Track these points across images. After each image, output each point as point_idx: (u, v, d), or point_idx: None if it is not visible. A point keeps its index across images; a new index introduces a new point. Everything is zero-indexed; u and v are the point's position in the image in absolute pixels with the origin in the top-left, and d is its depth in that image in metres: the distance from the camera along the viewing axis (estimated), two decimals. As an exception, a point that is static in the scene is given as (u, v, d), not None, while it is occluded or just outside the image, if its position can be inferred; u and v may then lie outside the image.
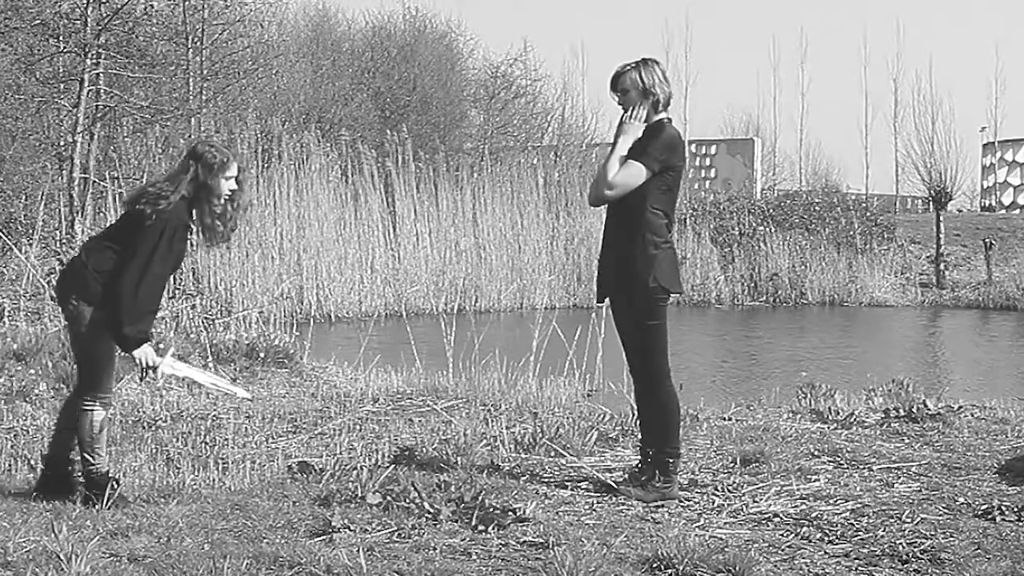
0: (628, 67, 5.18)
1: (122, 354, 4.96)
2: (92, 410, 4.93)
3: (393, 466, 5.57)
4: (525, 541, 4.34)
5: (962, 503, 5.08)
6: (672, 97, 5.22)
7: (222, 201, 5.02)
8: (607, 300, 5.29)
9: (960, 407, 7.41)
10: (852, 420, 7.12)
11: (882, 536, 4.54)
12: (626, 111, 5.16)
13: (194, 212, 5.00)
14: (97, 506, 4.78)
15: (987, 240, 30.32)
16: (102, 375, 4.99)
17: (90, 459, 4.92)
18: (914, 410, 7.19)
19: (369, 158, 23.09)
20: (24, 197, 17.58)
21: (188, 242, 5.11)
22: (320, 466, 5.65)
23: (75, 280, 4.96)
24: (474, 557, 4.15)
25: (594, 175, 5.26)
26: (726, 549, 4.25)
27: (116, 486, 4.90)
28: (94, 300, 4.87)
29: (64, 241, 15.93)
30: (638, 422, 5.53)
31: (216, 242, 5.15)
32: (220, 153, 5.01)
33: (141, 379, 4.97)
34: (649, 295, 5.08)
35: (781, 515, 4.84)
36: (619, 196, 5.06)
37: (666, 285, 5.10)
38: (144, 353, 4.94)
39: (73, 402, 5.07)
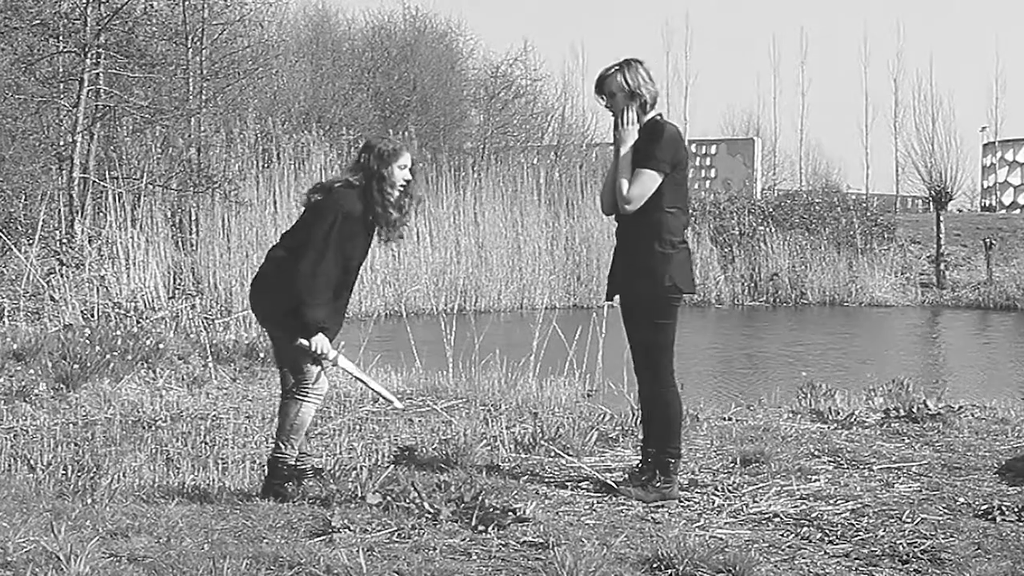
0: (611, 70, 5.14)
1: (302, 343, 4.92)
2: (303, 402, 5.01)
3: (393, 466, 5.57)
4: (525, 541, 4.34)
5: (962, 503, 5.08)
6: (659, 95, 5.18)
7: (396, 191, 5.01)
8: (616, 298, 5.27)
9: (960, 407, 7.41)
10: (852, 420, 7.12)
11: (882, 536, 4.54)
12: (615, 116, 5.15)
13: (370, 202, 4.98)
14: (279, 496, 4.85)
15: (987, 240, 30.32)
16: (311, 371, 5.02)
17: (283, 447, 5.00)
18: (914, 410, 7.19)
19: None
20: (24, 197, 17.57)
21: (367, 238, 5.10)
22: (320, 466, 5.64)
23: (265, 286, 5.04)
24: (474, 557, 4.15)
25: (602, 182, 5.22)
26: (726, 549, 4.25)
27: (310, 479, 4.98)
28: (286, 300, 4.92)
29: (64, 241, 15.92)
30: (640, 422, 5.53)
31: (392, 234, 5.10)
32: (392, 142, 5.06)
33: (315, 364, 4.95)
34: (663, 294, 5.07)
35: (781, 515, 4.84)
36: (639, 207, 5.04)
37: (681, 285, 5.09)
38: (321, 341, 4.93)
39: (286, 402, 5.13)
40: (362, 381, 5.36)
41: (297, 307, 4.88)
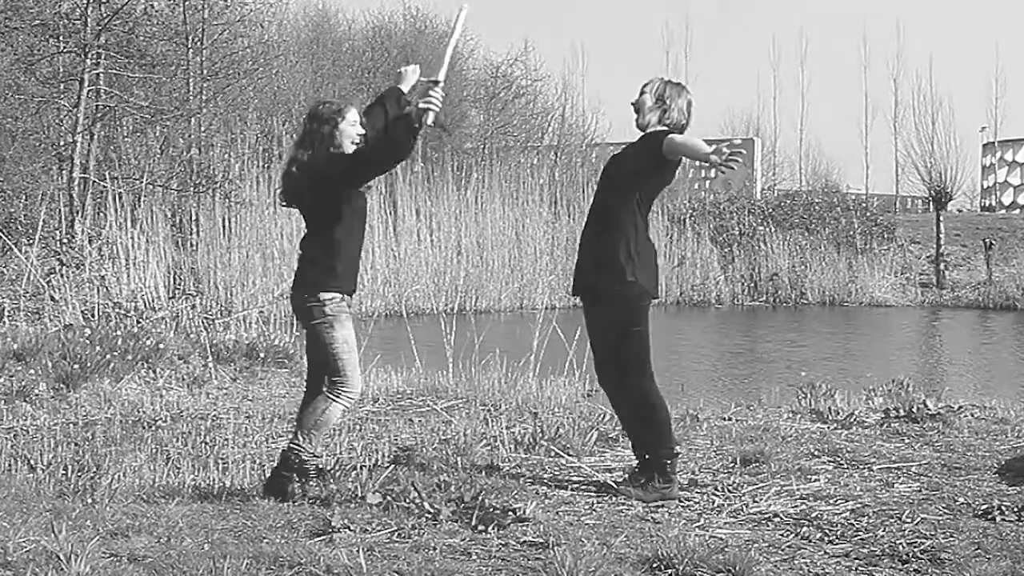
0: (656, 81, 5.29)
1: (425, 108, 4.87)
2: (334, 401, 5.01)
3: (393, 466, 5.57)
4: (525, 541, 4.34)
5: (962, 503, 5.08)
6: (685, 128, 5.25)
7: (352, 146, 5.04)
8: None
9: (960, 407, 7.41)
10: (852, 420, 7.12)
11: (882, 536, 4.54)
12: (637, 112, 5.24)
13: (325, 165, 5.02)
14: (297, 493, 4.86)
15: (987, 240, 30.34)
16: (348, 369, 5.02)
17: (302, 440, 5.00)
18: (914, 410, 7.19)
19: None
20: (24, 197, 17.59)
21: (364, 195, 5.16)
22: (320, 466, 5.64)
23: (301, 280, 5.04)
24: (474, 557, 4.15)
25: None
26: (726, 549, 4.25)
27: (313, 479, 4.98)
28: (317, 279, 4.97)
29: (64, 241, 15.93)
30: (623, 430, 5.54)
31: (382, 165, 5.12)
32: (333, 103, 5.16)
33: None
34: (631, 295, 5.07)
35: (781, 515, 4.84)
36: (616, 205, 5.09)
37: (648, 287, 5.10)
38: (430, 100, 4.88)
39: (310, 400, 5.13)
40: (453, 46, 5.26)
41: (391, 137, 4.86)
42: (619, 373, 5.17)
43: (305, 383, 5.36)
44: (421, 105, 4.88)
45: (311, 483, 4.98)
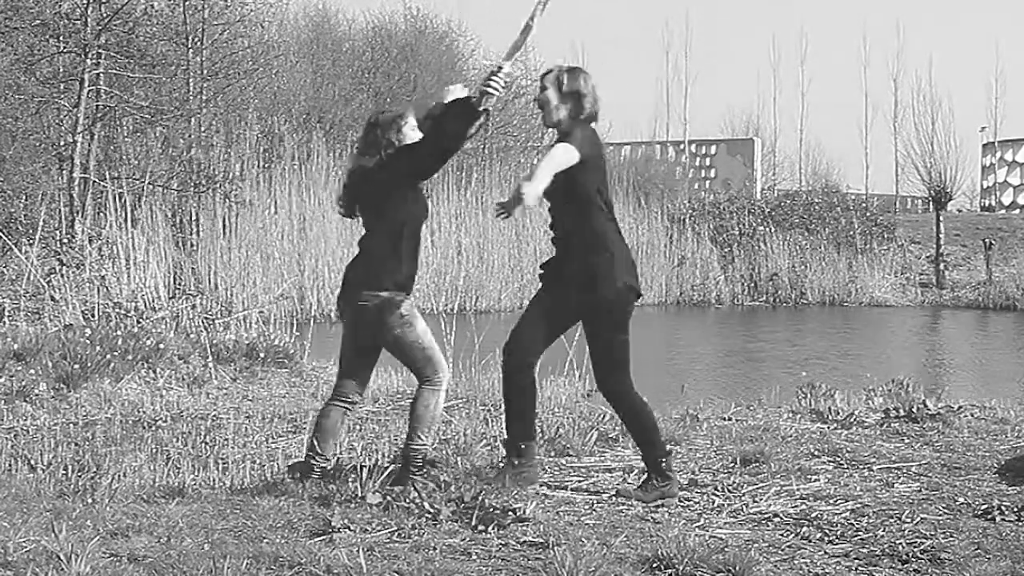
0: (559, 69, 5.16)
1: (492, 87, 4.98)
2: (436, 390, 5.15)
3: (393, 466, 5.57)
4: (525, 541, 4.34)
5: (962, 503, 5.08)
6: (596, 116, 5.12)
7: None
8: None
9: (960, 407, 7.41)
10: (852, 420, 7.12)
11: (882, 536, 4.54)
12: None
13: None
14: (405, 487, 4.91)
15: (987, 240, 30.35)
16: (436, 357, 5.16)
17: (421, 438, 5.12)
18: (914, 410, 7.19)
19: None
20: (24, 197, 17.58)
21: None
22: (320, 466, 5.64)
23: (366, 282, 5.08)
24: (474, 557, 4.15)
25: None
26: (726, 549, 4.25)
27: (425, 471, 5.10)
28: (383, 280, 5.04)
29: (64, 241, 15.92)
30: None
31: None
32: (391, 111, 5.29)
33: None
34: (618, 298, 5.02)
35: (781, 515, 4.84)
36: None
37: (634, 285, 5.06)
38: (492, 83, 4.99)
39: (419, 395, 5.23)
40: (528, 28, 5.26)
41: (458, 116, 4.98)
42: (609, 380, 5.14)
43: (338, 378, 5.41)
44: (481, 87, 4.90)
45: (434, 470, 5.19)
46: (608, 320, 5.04)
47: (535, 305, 5.22)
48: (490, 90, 4.85)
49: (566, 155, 4.86)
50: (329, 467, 5.20)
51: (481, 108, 4.90)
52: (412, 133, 5.15)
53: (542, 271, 5.33)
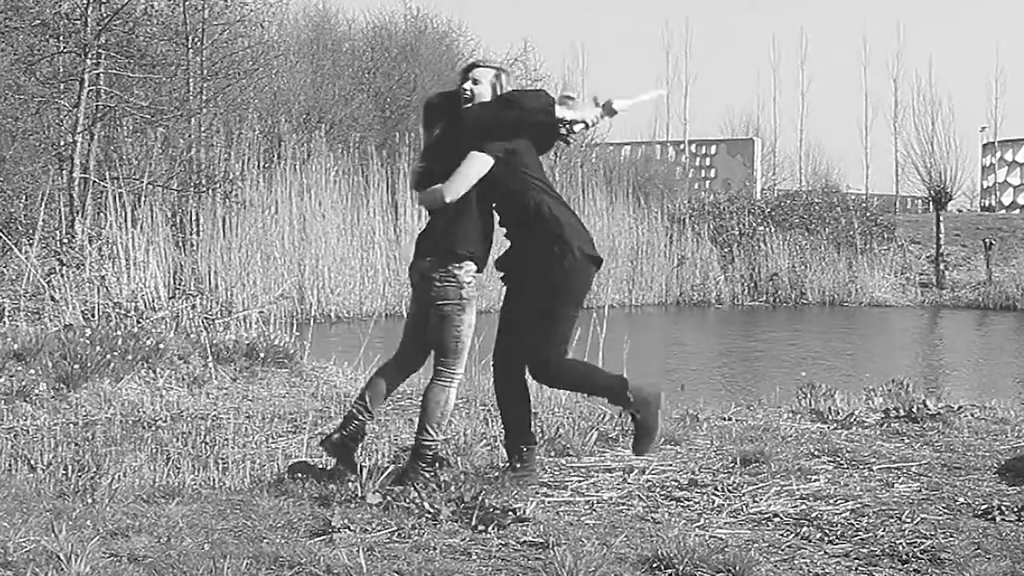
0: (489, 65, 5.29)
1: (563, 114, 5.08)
2: (448, 388, 5.17)
3: (393, 466, 5.57)
4: (525, 541, 4.34)
5: (962, 503, 5.08)
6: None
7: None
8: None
9: (960, 407, 7.41)
10: (852, 420, 7.12)
11: (882, 536, 4.54)
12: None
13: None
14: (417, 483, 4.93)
15: (987, 240, 30.35)
16: (462, 354, 5.21)
17: (431, 432, 5.13)
18: (914, 410, 7.19)
19: (374, 158, 23.10)
20: (24, 197, 17.57)
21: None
22: (320, 466, 5.65)
23: (435, 248, 5.17)
24: (474, 557, 4.15)
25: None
26: (726, 549, 4.25)
27: (433, 468, 5.11)
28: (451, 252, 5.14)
29: (64, 241, 15.91)
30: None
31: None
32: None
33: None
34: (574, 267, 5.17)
35: (781, 515, 4.84)
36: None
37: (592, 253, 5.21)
38: (571, 111, 5.11)
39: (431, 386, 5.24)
40: (641, 101, 5.36)
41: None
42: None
43: (399, 352, 5.48)
44: (563, 95, 5.03)
45: (441, 470, 5.18)
46: (564, 290, 5.21)
47: (506, 311, 5.40)
48: (581, 119, 4.98)
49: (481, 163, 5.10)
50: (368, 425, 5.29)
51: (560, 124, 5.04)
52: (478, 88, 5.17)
53: (501, 271, 5.43)
